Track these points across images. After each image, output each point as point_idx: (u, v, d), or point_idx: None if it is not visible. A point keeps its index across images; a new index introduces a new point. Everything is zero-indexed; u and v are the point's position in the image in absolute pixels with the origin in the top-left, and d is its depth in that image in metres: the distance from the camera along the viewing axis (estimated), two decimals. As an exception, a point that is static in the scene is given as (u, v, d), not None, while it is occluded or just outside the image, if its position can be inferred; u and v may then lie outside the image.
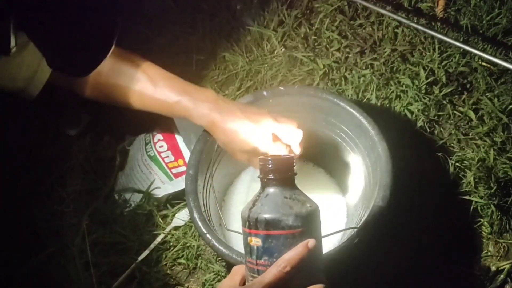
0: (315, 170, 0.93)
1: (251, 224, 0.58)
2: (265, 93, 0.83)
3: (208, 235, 0.73)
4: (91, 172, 0.99)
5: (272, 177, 0.59)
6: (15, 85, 0.80)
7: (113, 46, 0.63)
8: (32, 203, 0.93)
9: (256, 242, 0.58)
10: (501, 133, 0.95)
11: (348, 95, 1.01)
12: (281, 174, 0.59)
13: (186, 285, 0.92)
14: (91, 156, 1.01)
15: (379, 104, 1.00)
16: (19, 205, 0.91)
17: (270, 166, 0.59)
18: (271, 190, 0.59)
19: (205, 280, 0.91)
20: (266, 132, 0.78)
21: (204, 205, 0.79)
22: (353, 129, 0.82)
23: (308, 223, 0.58)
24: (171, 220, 0.96)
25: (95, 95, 0.87)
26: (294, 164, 0.60)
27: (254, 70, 1.09)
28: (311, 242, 0.57)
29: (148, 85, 0.84)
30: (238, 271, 0.61)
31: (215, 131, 0.80)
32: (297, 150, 0.80)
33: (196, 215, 0.74)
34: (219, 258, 0.92)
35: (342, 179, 0.89)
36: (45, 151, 0.98)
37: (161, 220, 0.96)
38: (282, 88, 0.85)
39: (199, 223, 0.74)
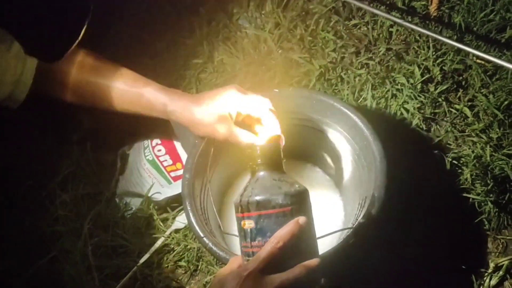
0: (312, 170, 0.94)
1: (243, 207, 0.61)
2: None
3: (205, 239, 0.74)
4: (92, 176, 1.01)
5: (260, 162, 0.63)
6: (2, 90, 0.81)
7: (84, 28, 0.64)
8: (35, 208, 0.94)
9: (249, 224, 0.60)
10: (497, 130, 0.96)
11: (345, 95, 1.02)
12: (269, 158, 0.63)
13: (187, 287, 0.93)
14: (92, 161, 1.02)
15: (375, 103, 1.01)
16: (21, 210, 0.93)
17: (258, 152, 0.63)
18: (260, 174, 0.63)
19: (206, 282, 0.92)
20: (231, 101, 0.79)
21: (201, 208, 0.80)
22: (348, 130, 0.83)
23: (297, 202, 0.61)
24: (172, 223, 0.97)
25: (76, 99, 0.88)
26: (281, 148, 0.65)
27: (251, 72, 1.10)
28: (301, 219, 0.60)
29: (126, 85, 0.86)
30: (235, 260, 0.64)
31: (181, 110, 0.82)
32: (274, 125, 0.79)
33: (192, 219, 0.76)
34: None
35: (338, 179, 0.90)
36: (46, 156, 1.00)
37: (161, 223, 0.97)
38: (277, 90, 0.85)
39: (196, 226, 0.75)
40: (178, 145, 0.96)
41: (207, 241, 0.74)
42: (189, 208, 0.77)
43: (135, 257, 0.94)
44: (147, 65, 1.12)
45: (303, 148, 0.91)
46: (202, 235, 0.74)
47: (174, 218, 0.98)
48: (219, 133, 0.79)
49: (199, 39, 1.11)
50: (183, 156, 0.94)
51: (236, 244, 0.83)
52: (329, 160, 0.90)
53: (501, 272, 0.88)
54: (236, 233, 0.64)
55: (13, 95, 0.83)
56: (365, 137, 0.80)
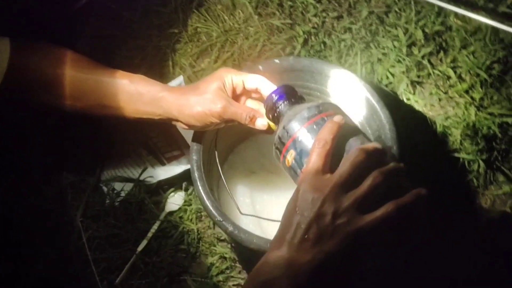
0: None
1: (280, 147, 0.60)
2: (260, 67, 0.80)
3: (224, 223, 0.71)
4: (73, 164, 0.93)
5: (279, 104, 0.65)
6: None
7: None
8: (20, 204, 0.86)
9: (291, 156, 0.58)
10: (480, 89, 0.99)
11: (331, 62, 1.00)
12: (288, 93, 0.66)
13: (191, 270, 0.90)
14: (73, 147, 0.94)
15: (362, 69, 1.00)
16: (5, 207, 0.84)
17: (275, 97, 0.66)
18: (283, 111, 0.65)
19: (210, 263, 0.89)
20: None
21: (211, 189, 0.76)
22: (353, 99, 0.82)
23: (325, 109, 0.60)
24: (164, 206, 0.93)
25: (76, 103, 0.75)
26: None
27: (229, 40, 1.05)
28: (336, 117, 0.57)
29: (122, 80, 0.74)
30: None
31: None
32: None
33: (208, 203, 0.72)
34: (222, 239, 0.91)
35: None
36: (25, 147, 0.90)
37: (154, 207, 0.92)
38: (277, 60, 0.82)
39: (213, 211, 0.71)
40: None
41: (227, 225, 0.70)
42: (203, 192, 0.73)
43: (131, 246, 0.89)
44: (117, 38, 1.03)
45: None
46: (221, 219, 0.71)
47: (166, 201, 0.93)
48: (216, 112, 0.69)
49: (174, 6, 1.04)
50: (178, 135, 0.89)
51: (248, 224, 0.81)
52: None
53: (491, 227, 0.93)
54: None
55: None
56: (370, 106, 0.79)
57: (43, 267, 0.81)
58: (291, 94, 0.66)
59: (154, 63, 1.04)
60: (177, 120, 0.72)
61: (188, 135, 0.89)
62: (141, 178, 0.90)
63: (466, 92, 0.99)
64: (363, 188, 0.50)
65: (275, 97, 0.66)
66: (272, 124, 0.70)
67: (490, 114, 0.97)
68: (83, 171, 0.92)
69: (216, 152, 0.77)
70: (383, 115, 0.78)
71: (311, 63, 0.82)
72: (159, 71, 1.03)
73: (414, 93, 1.01)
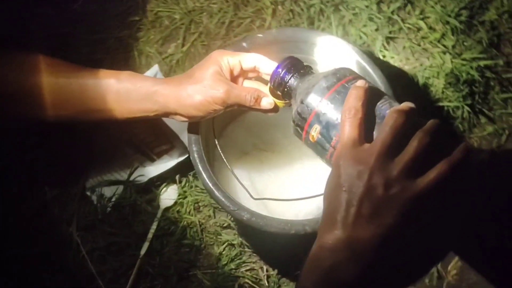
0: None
1: (301, 124, 0.57)
2: (244, 44, 0.76)
3: (240, 212, 0.68)
4: (53, 176, 0.86)
5: (291, 75, 0.62)
6: None
7: None
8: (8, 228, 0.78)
9: (315, 131, 0.55)
10: (451, 37, 1.00)
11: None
12: (295, 65, 0.63)
13: (199, 264, 0.87)
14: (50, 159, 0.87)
15: (336, 32, 0.98)
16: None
17: (283, 71, 0.62)
18: (294, 87, 0.62)
19: (219, 253, 0.86)
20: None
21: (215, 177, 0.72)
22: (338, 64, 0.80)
23: (344, 75, 0.57)
24: (159, 203, 0.88)
25: (59, 111, 0.68)
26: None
27: (194, 21, 1.00)
28: (358, 82, 0.53)
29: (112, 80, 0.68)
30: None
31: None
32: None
33: (220, 194, 0.68)
34: (225, 226, 0.88)
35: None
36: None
37: (148, 206, 0.88)
38: (261, 35, 0.78)
39: (226, 202, 0.68)
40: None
41: (243, 213, 0.68)
42: (210, 183, 0.69)
43: (133, 251, 0.84)
44: (72, 35, 0.96)
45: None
46: (235, 208, 0.68)
47: (159, 197, 0.89)
48: (219, 97, 0.65)
49: (131, -8, 0.97)
50: (165, 127, 0.84)
51: (253, 207, 0.78)
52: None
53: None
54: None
55: None
56: (362, 68, 0.78)
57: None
58: (299, 66, 0.63)
59: (118, 55, 0.97)
60: (176, 113, 0.67)
61: (176, 126, 0.84)
62: (131, 178, 0.85)
63: (438, 41, 1.00)
64: (410, 152, 0.48)
65: (281, 72, 0.63)
66: (278, 101, 0.67)
67: (465, 59, 0.98)
68: (65, 182, 0.86)
69: (216, 141, 0.74)
70: (377, 76, 0.77)
71: (295, 32, 0.79)
72: (124, 63, 0.97)
73: (388, 50, 1.00)
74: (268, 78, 0.67)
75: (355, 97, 0.51)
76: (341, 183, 0.48)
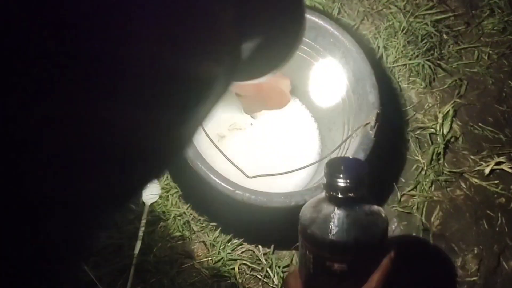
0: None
1: (334, 249, 0.53)
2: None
3: (239, 192, 0.67)
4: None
5: (352, 195, 0.54)
6: None
7: None
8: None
9: (340, 267, 0.54)
10: (402, -3, 1.03)
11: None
12: (360, 190, 0.54)
13: (194, 254, 0.86)
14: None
15: None
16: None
17: (347, 182, 0.54)
18: (350, 207, 0.55)
19: (213, 239, 0.86)
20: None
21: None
22: (309, 34, 0.80)
23: (386, 232, 0.56)
24: (143, 201, 0.86)
25: None
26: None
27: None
28: (393, 253, 0.56)
29: None
30: (296, 285, 0.57)
31: None
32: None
33: (215, 178, 0.68)
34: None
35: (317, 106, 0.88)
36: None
37: (133, 206, 0.85)
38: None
39: (223, 184, 0.67)
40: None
41: (242, 193, 0.67)
42: (204, 168, 0.68)
43: (127, 252, 0.82)
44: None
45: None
46: (233, 188, 0.67)
47: (141, 196, 0.86)
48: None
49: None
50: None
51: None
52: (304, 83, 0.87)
53: (449, 118, 0.99)
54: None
55: None
56: (330, 35, 0.79)
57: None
58: (365, 191, 0.56)
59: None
60: None
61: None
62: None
63: (391, 3, 1.03)
64: None
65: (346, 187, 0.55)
66: None
67: (417, 16, 1.01)
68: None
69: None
70: (347, 41, 0.78)
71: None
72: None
73: (344, 16, 1.02)
74: None
75: (383, 272, 0.55)
76: None
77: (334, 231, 0.53)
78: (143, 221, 0.84)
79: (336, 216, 0.54)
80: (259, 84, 0.78)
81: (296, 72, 0.84)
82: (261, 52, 0.38)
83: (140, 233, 0.83)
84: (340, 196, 0.54)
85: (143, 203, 0.86)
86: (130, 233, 0.83)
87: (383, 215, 0.56)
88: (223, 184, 0.67)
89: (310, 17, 0.77)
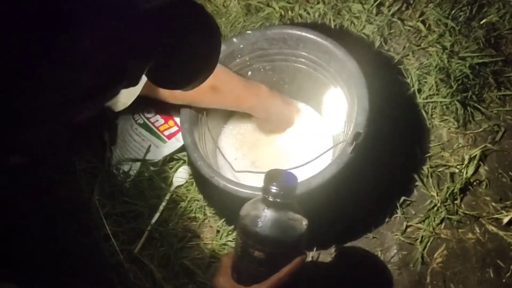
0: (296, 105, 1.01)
1: (256, 238, 0.68)
2: (235, 39, 0.89)
3: (216, 178, 0.79)
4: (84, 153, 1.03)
5: (279, 200, 0.68)
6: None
7: None
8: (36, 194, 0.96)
9: (259, 255, 0.69)
10: (449, 37, 1.05)
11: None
12: (287, 198, 0.69)
13: (202, 235, 0.98)
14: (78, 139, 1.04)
15: (336, 33, 1.08)
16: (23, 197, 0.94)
17: (276, 188, 0.68)
18: (276, 211, 0.69)
19: (218, 226, 0.98)
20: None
21: (204, 154, 0.85)
22: (322, 56, 0.89)
23: (304, 237, 0.70)
24: (172, 180, 1.02)
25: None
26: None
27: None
28: (304, 256, 0.71)
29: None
30: (227, 262, 0.72)
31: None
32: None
33: (200, 163, 0.81)
34: (226, 206, 0.99)
35: (324, 109, 0.97)
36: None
37: (162, 183, 1.01)
38: (250, 32, 0.90)
39: (205, 168, 0.80)
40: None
41: (219, 180, 0.79)
42: (195, 155, 0.81)
43: (145, 219, 0.98)
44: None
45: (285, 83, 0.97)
46: (213, 175, 0.80)
47: (173, 176, 1.02)
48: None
49: None
50: (174, 112, 0.98)
51: (240, 177, 0.89)
52: (312, 92, 0.96)
53: (475, 161, 0.98)
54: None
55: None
56: (339, 59, 0.86)
57: (65, 241, 0.91)
58: (293, 201, 0.71)
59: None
60: None
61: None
62: (147, 157, 0.99)
63: (437, 42, 1.06)
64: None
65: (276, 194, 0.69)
66: None
67: (461, 58, 1.03)
68: (93, 158, 1.02)
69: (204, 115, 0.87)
70: (351, 65, 0.85)
71: (282, 29, 0.90)
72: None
73: (389, 50, 1.08)
74: None
75: (293, 266, 0.71)
76: None
77: (259, 225, 0.68)
78: (167, 197, 1.00)
79: (264, 214, 0.69)
80: (268, 108, 0.92)
81: (311, 91, 0.94)
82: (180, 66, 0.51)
83: (161, 207, 0.99)
84: (270, 199, 0.68)
85: (172, 183, 1.02)
86: (153, 205, 0.99)
87: (304, 224, 0.70)
88: (205, 169, 0.80)
89: (324, 43, 0.87)
